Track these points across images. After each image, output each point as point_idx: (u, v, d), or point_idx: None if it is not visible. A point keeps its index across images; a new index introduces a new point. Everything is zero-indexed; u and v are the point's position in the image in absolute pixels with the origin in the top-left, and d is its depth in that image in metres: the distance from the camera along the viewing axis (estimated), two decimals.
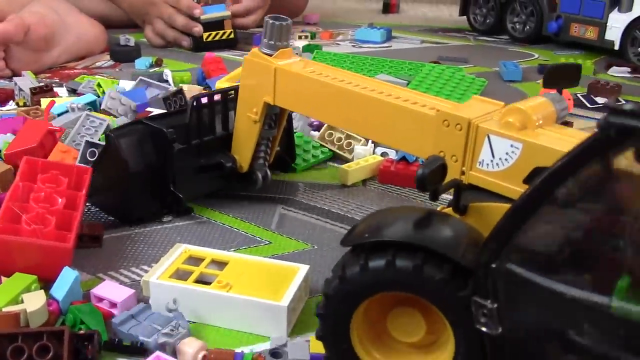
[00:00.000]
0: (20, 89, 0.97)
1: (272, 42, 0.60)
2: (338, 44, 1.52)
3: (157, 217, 0.67)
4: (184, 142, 0.65)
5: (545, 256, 0.36)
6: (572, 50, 1.50)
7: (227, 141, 0.68)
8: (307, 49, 1.38)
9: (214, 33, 1.38)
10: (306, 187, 0.77)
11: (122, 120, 0.84)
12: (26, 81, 0.99)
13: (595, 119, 1.03)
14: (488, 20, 1.65)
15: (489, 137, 0.46)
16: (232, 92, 0.67)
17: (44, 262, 0.53)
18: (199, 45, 1.37)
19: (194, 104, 0.65)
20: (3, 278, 0.53)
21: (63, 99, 0.97)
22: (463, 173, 0.48)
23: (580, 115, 1.04)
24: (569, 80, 0.48)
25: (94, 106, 0.92)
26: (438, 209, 0.47)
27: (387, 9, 2.02)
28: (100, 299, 0.52)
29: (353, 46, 1.50)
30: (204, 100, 0.66)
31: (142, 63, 1.22)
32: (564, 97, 0.47)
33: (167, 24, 1.38)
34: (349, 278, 0.40)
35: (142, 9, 1.40)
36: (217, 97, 0.67)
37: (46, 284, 0.53)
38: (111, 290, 0.52)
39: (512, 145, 0.44)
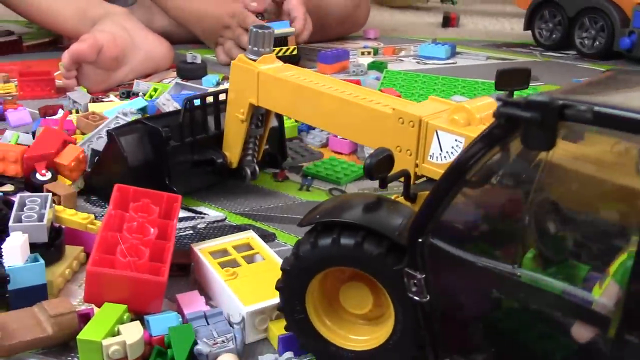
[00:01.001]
0: (74, 101, 1.03)
1: (257, 49, 0.67)
2: (402, 60, 1.50)
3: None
4: (178, 140, 0.72)
5: (462, 231, 0.41)
6: None
7: (219, 139, 0.74)
8: (373, 66, 1.36)
9: (277, 49, 1.38)
10: None
11: None
12: (79, 94, 1.06)
13: None
14: (554, 35, 1.61)
15: (437, 133, 0.51)
16: (224, 94, 0.73)
17: (137, 294, 0.53)
18: None
19: (187, 105, 0.72)
20: (95, 308, 0.52)
21: (114, 103, 1.00)
22: (417, 165, 0.53)
23: None
24: (519, 83, 0.52)
25: (144, 111, 0.95)
26: (392, 197, 0.50)
27: (447, 22, 1.99)
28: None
29: (417, 62, 1.48)
30: (196, 101, 0.73)
31: (209, 81, 1.22)
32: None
33: (235, 43, 1.38)
34: (302, 255, 0.46)
35: (216, 33, 1.42)
36: (209, 98, 0.74)
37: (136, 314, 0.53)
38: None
39: (456, 140, 0.50)
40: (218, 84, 1.24)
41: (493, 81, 1.20)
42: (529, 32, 1.68)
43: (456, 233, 0.41)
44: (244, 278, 0.56)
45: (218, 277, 0.56)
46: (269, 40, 0.68)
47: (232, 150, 0.73)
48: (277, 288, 0.49)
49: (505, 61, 1.52)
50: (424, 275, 0.41)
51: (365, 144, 0.61)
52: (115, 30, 1.21)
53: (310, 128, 0.98)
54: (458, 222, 0.41)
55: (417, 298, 0.42)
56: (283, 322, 0.52)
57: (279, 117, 0.81)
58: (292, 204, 0.77)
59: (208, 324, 0.52)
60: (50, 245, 0.59)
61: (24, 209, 0.61)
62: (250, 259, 0.60)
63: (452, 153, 0.50)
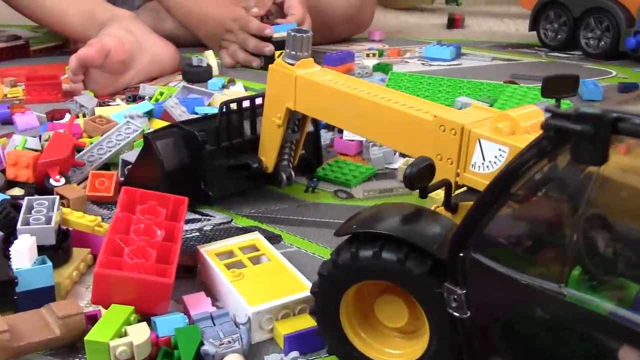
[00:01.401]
0: (81, 105, 1.03)
1: (294, 53, 0.67)
2: (407, 62, 1.50)
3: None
4: (214, 144, 0.72)
5: (506, 246, 0.40)
6: None
7: (255, 144, 0.74)
8: (378, 68, 1.37)
9: (283, 51, 1.38)
10: None
11: None
12: (85, 98, 1.06)
13: None
14: (560, 36, 1.61)
15: (480, 142, 0.50)
16: (260, 98, 0.73)
17: (144, 296, 0.53)
18: (270, 63, 1.38)
19: (223, 109, 0.71)
20: (102, 310, 0.53)
21: (120, 106, 1.01)
22: (458, 175, 0.52)
23: None
24: (567, 90, 0.52)
25: (150, 114, 0.95)
26: (433, 207, 0.50)
27: (452, 24, 1.99)
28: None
29: (422, 64, 1.49)
30: (233, 105, 0.73)
31: (215, 84, 1.23)
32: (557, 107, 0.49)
33: (240, 47, 1.39)
34: (341, 263, 0.45)
35: (219, 36, 1.43)
36: (245, 103, 0.74)
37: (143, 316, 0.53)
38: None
39: (500, 149, 0.48)
40: (224, 86, 1.24)
41: (498, 82, 1.21)
42: (534, 32, 1.68)
43: (500, 248, 0.40)
44: (250, 279, 0.57)
45: (224, 278, 0.56)
46: (307, 44, 0.67)
47: (268, 155, 0.73)
48: (311, 292, 0.48)
49: (511, 62, 1.52)
50: (464, 291, 0.40)
51: (404, 151, 0.60)
52: (122, 34, 1.22)
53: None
54: (502, 236, 0.40)
55: (457, 314, 0.41)
56: (289, 322, 0.53)
57: (315, 122, 0.80)
58: (297, 206, 0.77)
59: (214, 324, 0.52)
60: (58, 248, 0.60)
61: (32, 211, 0.61)
62: (256, 260, 0.61)
63: (495, 163, 0.49)
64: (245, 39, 1.39)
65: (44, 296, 0.55)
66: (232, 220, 0.74)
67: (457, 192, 0.53)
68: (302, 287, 0.56)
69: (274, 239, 0.69)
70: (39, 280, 0.55)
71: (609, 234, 0.36)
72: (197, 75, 1.30)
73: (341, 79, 0.64)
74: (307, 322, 0.53)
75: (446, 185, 0.46)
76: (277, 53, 1.39)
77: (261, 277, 0.57)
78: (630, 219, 0.37)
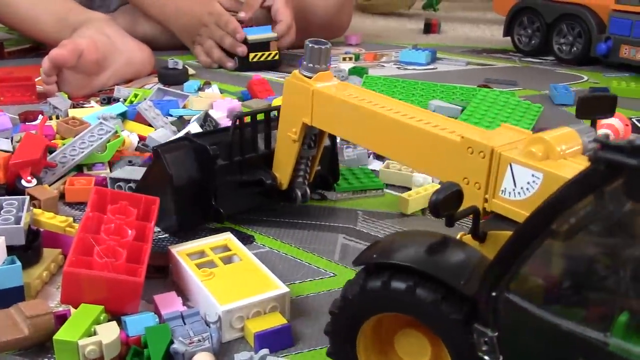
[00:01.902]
0: (55, 107, 1.02)
1: (312, 65, 0.63)
2: (383, 66, 1.52)
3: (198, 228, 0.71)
4: (227, 158, 0.69)
5: (543, 287, 0.36)
6: (621, 72, 1.47)
7: (269, 159, 0.71)
8: (353, 71, 1.38)
9: (259, 54, 1.40)
10: (365, 216, 0.76)
11: (162, 132, 0.89)
12: (59, 100, 1.05)
13: None
14: (533, 41, 1.63)
15: (511, 166, 0.46)
16: (275, 111, 0.69)
17: (114, 295, 0.53)
18: (245, 65, 1.39)
19: (236, 122, 0.68)
20: (72, 309, 0.53)
21: (94, 108, 1.01)
22: (486, 200, 0.48)
23: None
24: (604, 111, 0.48)
25: (124, 116, 0.95)
26: (458, 235, 0.47)
27: (428, 29, 2.01)
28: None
29: (398, 68, 1.50)
30: (246, 119, 0.70)
31: (190, 86, 1.23)
32: (593, 129, 0.47)
33: (216, 44, 1.39)
34: (351, 298, 0.43)
35: (194, 30, 1.43)
36: (259, 116, 0.71)
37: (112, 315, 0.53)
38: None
39: (533, 175, 0.44)
40: (199, 89, 1.24)
41: (471, 86, 1.22)
42: (509, 38, 1.70)
43: (537, 288, 0.37)
44: (221, 278, 0.57)
45: (195, 278, 0.57)
46: (326, 56, 0.63)
47: (283, 171, 0.70)
48: (325, 332, 0.46)
49: (485, 67, 1.54)
50: (496, 334, 0.37)
51: (429, 173, 0.56)
52: (95, 35, 1.21)
53: None
54: (540, 276, 0.36)
55: (487, 358, 0.38)
56: (259, 320, 0.53)
57: (332, 137, 0.76)
58: (270, 208, 0.77)
59: (185, 324, 0.52)
60: (28, 248, 0.59)
61: (1, 212, 0.61)
62: (227, 260, 0.61)
63: (528, 189, 0.45)
64: (222, 36, 1.40)
65: (13, 296, 0.54)
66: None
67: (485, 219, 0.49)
68: (273, 286, 0.56)
69: (246, 240, 0.69)
70: (7, 281, 0.54)
71: None
72: (173, 78, 1.29)
73: (361, 94, 0.61)
74: (277, 320, 0.53)
75: (474, 212, 0.43)
76: (251, 55, 1.40)
77: (232, 276, 0.57)
78: None
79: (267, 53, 1.40)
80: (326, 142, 0.73)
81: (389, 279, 0.40)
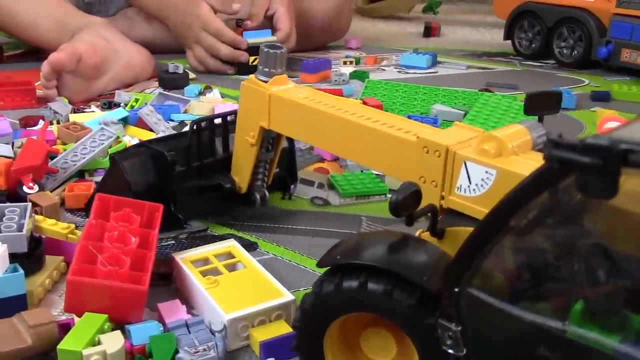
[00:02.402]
0: (55, 112, 1.02)
1: (267, 70, 0.64)
2: (383, 70, 1.51)
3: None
4: (184, 164, 0.69)
5: (504, 281, 0.38)
6: (622, 75, 1.47)
7: (227, 163, 0.71)
8: (355, 75, 1.37)
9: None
10: (369, 221, 0.76)
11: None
12: (60, 105, 1.05)
13: None
14: (534, 45, 1.63)
15: (465, 164, 0.47)
16: (233, 115, 0.70)
17: (118, 304, 0.53)
18: (244, 70, 1.38)
19: (194, 127, 0.69)
20: (75, 318, 0.52)
21: (95, 113, 1.00)
22: (443, 198, 0.49)
23: None
24: (549, 108, 0.50)
25: (125, 121, 0.94)
26: (417, 233, 0.48)
27: (428, 32, 2.01)
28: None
29: (398, 72, 1.50)
30: (204, 123, 0.70)
31: (191, 90, 1.23)
32: (541, 125, 0.49)
33: (208, 53, 1.38)
34: (324, 295, 0.43)
35: (182, 32, 1.42)
36: (217, 120, 0.71)
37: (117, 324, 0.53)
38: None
39: (487, 172, 0.46)
40: (200, 93, 1.24)
41: (473, 90, 1.22)
42: (509, 41, 1.70)
43: (498, 283, 0.38)
44: (225, 286, 0.56)
45: (199, 286, 0.56)
46: (281, 61, 0.64)
47: (242, 175, 0.70)
48: (293, 327, 0.46)
49: (486, 70, 1.54)
50: (460, 328, 0.38)
51: (387, 173, 0.57)
52: (94, 39, 1.21)
53: None
54: (500, 270, 0.38)
55: (452, 351, 0.38)
56: (265, 329, 0.53)
57: (290, 139, 0.77)
58: (273, 213, 0.77)
59: (189, 332, 0.52)
60: (30, 255, 0.59)
61: (3, 219, 0.60)
62: (231, 267, 0.60)
63: (482, 186, 0.46)
64: (213, 44, 1.38)
65: (16, 305, 0.54)
66: (208, 228, 0.73)
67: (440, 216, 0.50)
68: (278, 294, 0.55)
69: (250, 247, 0.69)
70: (10, 289, 0.54)
71: (611, 265, 0.34)
72: (174, 82, 1.29)
73: (317, 97, 0.62)
74: (282, 328, 0.53)
75: (432, 210, 0.45)
76: (251, 59, 1.39)
77: (237, 284, 0.57)
78: (634, 248, 0.35)
79: None
80: (284, 144, 0.74)
81: (365, 280, 0.41)
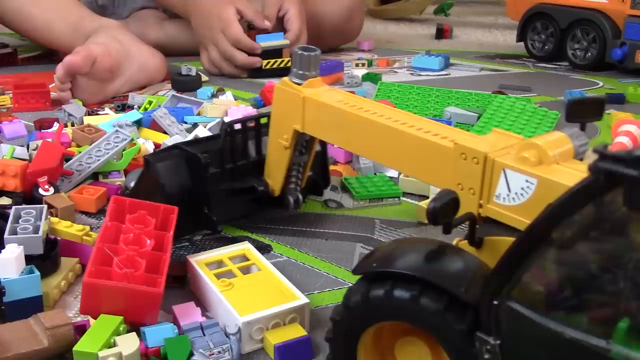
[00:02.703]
0: (70, 114, 1.03)
1: (302, 72, 0.64)
2: (395, 72, 1.51)
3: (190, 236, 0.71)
4: (218, 166, 0.69)
5: (545, 295, 0.36)
6: (637, 77, 1.46)
7: (260, 165, 0.70)
8: (367, 77, 1.37)
9: (272, 61, 1.40)
10: (382, 224, 0.75)
11: (177, 139, 0.88)
12: (74, 107, 1.05)
13: None
14: (547, 47, 1.62)
15: (504, 172, 0.46)
16: (266, 118, 0.69)
17: (133, 306, 0.53)
18: (257, 73, 1.39)
19: (227, 129, 0.68)
20: (91, 320, 0.52)
21: (109, 116, 1.01)
22: (481, 206, 0.48)
23: None
24: (592, 115, 0.48)
25: (139, 124, 0.95)
26: (454, 241, 0.47)
27: (441, 34, 2.00)
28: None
29: (411, 74, 1.49)
30: (237, 126, 0.69)
31: (204, 93, 1.23)
32: (583, 133, 0.48)
33: (223, 57, 1.38)
34: (353, 305, 0.42)
35: (202, 30, 1.42)
36: (250, 122, 0.71)
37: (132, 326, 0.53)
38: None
39: (527, 181, 0.45)
40: (213, 95, 1.24)
41: (487, 92, 1.20)
42: (522, 43, 1.69)
43: (539, 296, 0.36)
44: (240, 289, 0.56)
45: (214, 288, 0.56)
46: (315, 63, 0.64)
47: (275, 178, 0.70)
48: (326, 339, 0.45)
49: (499, 72, 1.53)
50: (499, 342, 0.37)
51: (423, 180, 0.55)
52: (108, 42, 1.22)
53: None
54: (541, 283, 0.36)
55: None
56: (279, 332, 0.53)
57: (322, 142, 0.76)
58: (287, 216, 0.77)
59: (204, 334, 0.52)
60: (46, 257, 0.59)
61: (19, 221, 0.61)
62: (246, 270, 0.60)
63: (522, 195, 0.45)
64: (229, 51, 1.38)
65: (32, 306, 0.54)
66: (222, 230, 0.73)
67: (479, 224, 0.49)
68: (293, 297, 0.55)
69: (264, 249, 0.69)
70: (26, 290, 0.54)
71: None
72: (186, 84, 1.29)
73: (352, 100, 0.61)
74: (297, 331, 0.53)
75: (470, 219, 0.43)
76: (264, 62, 1.39)
77: (251, 286, 0.57)
78: None
79: (279, 60, 1.40)
80: (317, 147, 0.73)
81: (391, 287, 0.41)
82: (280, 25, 1.44)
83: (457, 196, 0.41)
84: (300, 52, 0.63)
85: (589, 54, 1.52)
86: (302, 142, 0.67)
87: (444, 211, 0.40)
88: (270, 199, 0.71)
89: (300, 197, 0.71)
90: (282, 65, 1.41)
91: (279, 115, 0.66)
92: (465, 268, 0.41)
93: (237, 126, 0.69)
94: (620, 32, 1.44)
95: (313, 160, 0.72)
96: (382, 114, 0.57)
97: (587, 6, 1.50)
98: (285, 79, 0.64)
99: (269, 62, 1.40)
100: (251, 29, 1.40)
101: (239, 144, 0.70)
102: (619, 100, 1.25)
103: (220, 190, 0.69)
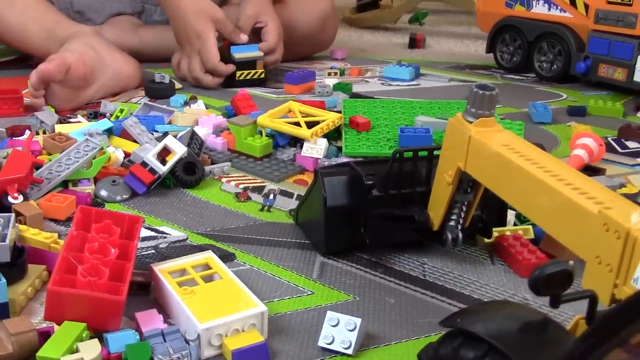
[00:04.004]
0: (42, 122, 1.04)
1: (474, 110, 0.61)
2: (367, 81, 1.54)
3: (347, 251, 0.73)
4: (382, 190, 0.70)
5: None
6: (600, 90, 1.50)
7: (426, 196, 0.70)
8: (338, 87, 1.40)
9: (245, 72, 1.41)
10: None
11: (145, 147, 0.91)
12: (46, 115, 1.06)
13: (628, 164, 1.04)
14: (515, 58, 1.66)
15: None
16: (438, 150, 0.68)
17: (96, 313, 0.55)
18: (230, 83, 1.41)
19: (397, 155, 0.69)
20: (55, 326, 0.54)
21: (81, 124, 1.02)
22: (616, 286, 0.43)
23: (611, 161, 1.05)
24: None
25: (110, 132, 0.96)
26: (575, 318, 0.45)
27: (413, 44, 2.04)
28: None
29: (382, 84, 1.52)
30: (408, 153, 0.70)
31: (176, 100, 1.25)
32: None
33: (190, 74, 1.40)
34: (425, 358, 0.44)
35: (179, 38, 1.41)
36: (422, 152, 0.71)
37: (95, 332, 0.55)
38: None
39: None
40: (186, 103, 1.26)
41: (452, 100, 1.22)
42: (491, 54, 1.73)
43: None
44: (201, 296, 0.59)
45: (175, 296, 0.58)
46: (490, 103, 0.61)
47: (436, 211, 0.68)
48: None
49: (467, 83, 1.57)
50: None
51: (564, 243, 0.50)
52: (83, 49, 1.23)
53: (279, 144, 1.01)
54: None
55: None
56: (237, 338, 0.55)
57: None
58: (253, 225, 0.79)
59: (165, 341, 0.54)
60: (13, 265, 0.61)
61: None
62: (208, 278, 0.62)
63: None
64: (201, 78, 1.38)
65: None
66: (187, 238, 0.76)
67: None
68: (252, 304, 0.58)
69: (227, 257, 0.71)
70: None
71: None
72: (160, 92, 1.31)
73: (519, 145, 0.57)
74: (254, 337, 0.55)
75: (590, 297, 0.40)
76: (238, 73, 1.40)
77: (212, 294, 0.59)
78: None
79: (253, 71, 1.42)
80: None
81: (459, 345, 0.41)
82: (255, 36, 1.46)
83: (570, 269, 0.38)
84: (476, 89, 0.61)
85: (555, 66, 1.57)
86: (468, 181, 0.65)
87: (550, 281, 0.38)
88: (428, 231, 0.71)
89: (460, 235, 0.69)
90: (255, 77, 1.42)
91: (447, 150, 0.65)
92: (542, 340, 0.39)
93: (407, 154, 0.70)
94: (584, 46, 1.49)
95: (488, 198, 0.67)
96: (542, 164, 0.54)
97: (553, 20, 1.55)
98: (459, 114, 0.63)
99: (242, 73, 1.41)
100: (225, 41, 1.41)
101: (408, 171, 0.70)
102: (580, 112, 1.29)
103: (380, 214, 0.70)
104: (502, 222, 0.77)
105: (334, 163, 0.76)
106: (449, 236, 0.69)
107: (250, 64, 1.41)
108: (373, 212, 0.70)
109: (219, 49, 1.38)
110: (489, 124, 0.61)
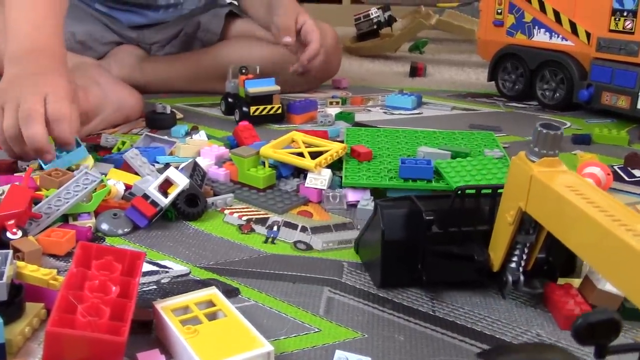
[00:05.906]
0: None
1: (537, 150, 0.60)
2: (369, 110, 1.53)
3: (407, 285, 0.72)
4: (442, 227, 0.68)
5: None
6: (604, 118, 1.49)
7: (488, 236, 0.68)
8: (340, 117, 1.39)
9: (261, 107, 1.35)
10: (350, 267, 0.76)
11: (146, 179, 0.89)
12: None
13: (636, 193, 1.02)
14: (517, 86, 1.66)
15: None
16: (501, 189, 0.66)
17: (97, 354, 0.53)
18: (243, 117, 1.33)
19: (459, 192, 0.68)
20: None
21: None
22: None
23: (619, 190, 1.03)
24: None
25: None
26: None
27: (414, 72, 2.04)
28: None
29: (384, 112, 1.52)
30: (470, 190, 0.69)
31: (178, 131, 1.24)
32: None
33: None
34: None
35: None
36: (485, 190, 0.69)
37: None
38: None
39: None
40: (187, 134, 1.25)
41: (455, 130, 1.21)
42: (493, 82, 1.73)
43: None
44: (205, 335, 0.57)
45: (178, 335, 0.56)
46: (554, 142, 0.59)
47: (497, 252, 0.66)
48: None
49: (470, 111, 1.56)
50: None
51: (625, 293, 0.47)
52: (88, 85, 1.23)
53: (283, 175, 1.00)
54: None
55: None
56: None
57: None
58: (257, 257, 0.78)
59: None
60: (10, 303, 0.59)
61: None
62: (212, 316, 0.61)
63: None
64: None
65: None
66: (190, 272, 0.74)
67: None
68: (258, 344, 0.56)
69: (231, 293, 0.69)
70: None
71: None
72: (161, 122, 1.30)
73: (583, 188, 0.55)
74: None
75: (638, 350, 0.39)
76: (253, 109, 1.33)
77: (216, 333, 0.57)
78: None
79: (269, 106, 1.35)
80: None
81: None
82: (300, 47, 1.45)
83: (618, 319, 0.37)
84: (540, 128, 0.59)
85: (557, 94, 1.56)
86: (530, 222, 0.63)
87: (594, 330, 0.36)
88: (488, 272, 0.69)
89: (522, 278, 0.66)
90: (271, 112, 1.35)
91: (509, 190, 0.64)
92: None
93: (470, 191, 0.68)
94: (586, 74, 1.48)
95: (555, 240, 0.61)
96: (609, 210, 0.51)
97: (555, 48, 1.55)
98: (522, 153, 0.62)
99: (257, 109, 1.34)
100: (242, 74, 1.35)
101: (470, 209, 0.69)
102: (585, 140, 1.28)
103: (438, 251, 0.69)
104: (571, 269, 0.73)
105: (390, 197, 0.75)
106: (510, 278, 0.66)
107: (266, 98, 1.34)
108: (432, 249, 0.68)
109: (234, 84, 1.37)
110: (553, 164, 0.59)
